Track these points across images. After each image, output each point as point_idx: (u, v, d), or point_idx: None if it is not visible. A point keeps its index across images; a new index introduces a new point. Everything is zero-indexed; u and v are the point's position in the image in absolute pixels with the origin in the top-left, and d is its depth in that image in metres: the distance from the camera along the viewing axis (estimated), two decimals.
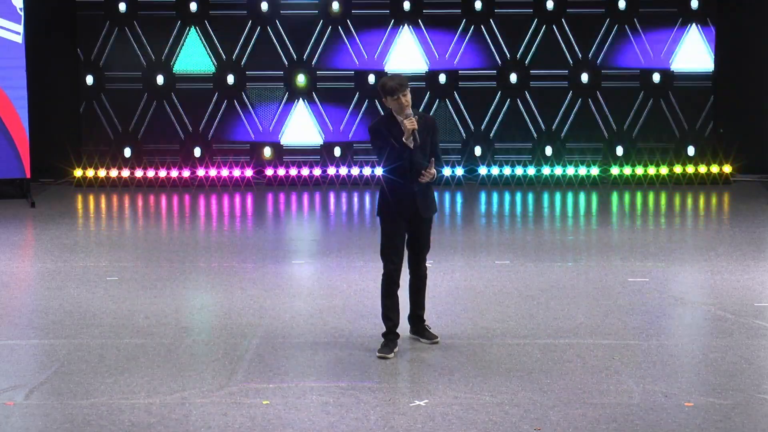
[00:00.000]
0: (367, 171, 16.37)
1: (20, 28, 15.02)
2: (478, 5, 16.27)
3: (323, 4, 16.26)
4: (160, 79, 16.38)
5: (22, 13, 15.01)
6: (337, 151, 16.42)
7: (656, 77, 16.30)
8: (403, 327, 8.83)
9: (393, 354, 8.54)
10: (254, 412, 7.39)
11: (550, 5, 16.27)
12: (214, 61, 16.40)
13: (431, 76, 16.40)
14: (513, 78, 16.37)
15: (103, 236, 13.53)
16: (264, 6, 16.32)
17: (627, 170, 16.34)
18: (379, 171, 16.20)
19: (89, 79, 16.34)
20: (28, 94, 15.12)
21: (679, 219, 14.29)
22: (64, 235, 13.17)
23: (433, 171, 8.52)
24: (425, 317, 8.91)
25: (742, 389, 7.81)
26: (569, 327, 9.28)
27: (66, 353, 8.64)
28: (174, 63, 16.39)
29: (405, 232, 8.65)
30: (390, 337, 8.64)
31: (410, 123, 8.42)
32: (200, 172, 16.31)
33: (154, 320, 9.55)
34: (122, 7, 16.25)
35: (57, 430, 7.16)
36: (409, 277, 8.84)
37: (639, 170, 16.34)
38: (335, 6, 16.22)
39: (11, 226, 13.78)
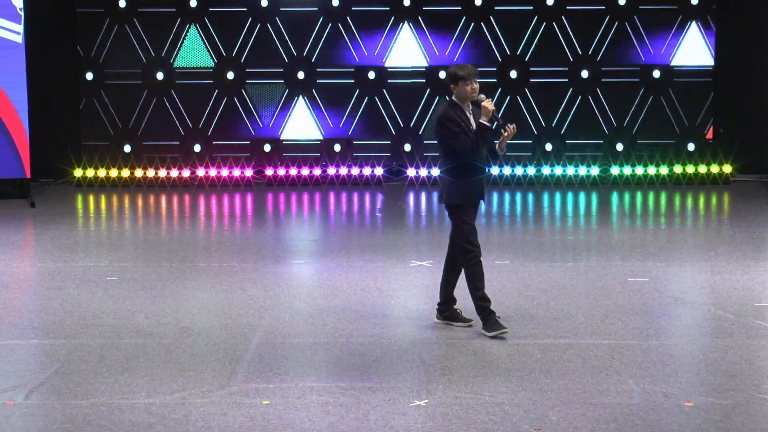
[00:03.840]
0: (367, 171, 16.37)
1: (20, 28, 15.02)
2: (477, 1, 16.30)
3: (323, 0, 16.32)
4: (160, 75, 16.37)
5: (22, 13, 15.01)
6: (337, 147, 16.44)
7: (656, 73, 16.30)
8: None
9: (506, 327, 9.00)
10: (254, 412, 7.39)
11: (550, 1, 16.28)
12: (214, 57, 16.40)
13: (431, 71, 16.46)
14: (513, 74, 16.38)
15: (103, 236, 13.53)
16: (264, 2, 16.33)
17: (627, 170, 16.35)
18: (379, 171, 16.48)
19: (89, 75, 16.34)
20: (28, 94, 15.12)
21: (679, 219, 14.29)
22: (64, 235, 13.16)
23: (512, 126, 9.09)
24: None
25: (742, 389, 7.80)
26: (569, 327, 9.28)
27: (66, 353, 8.63)
28: (174, 59, 16.42)
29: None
30: (493, 316, 9.02)
31: (489, 104, 8.91)
32: (200, 172, 16.31)
33: (154, 320, 9.55)
34: (122, 2, 16.27)
35: (57, 430, 7.16)
36: (446, 260, 9.33)
37: (639, 170, 16.35)
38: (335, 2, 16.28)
39: (11, 226, 13.78)
